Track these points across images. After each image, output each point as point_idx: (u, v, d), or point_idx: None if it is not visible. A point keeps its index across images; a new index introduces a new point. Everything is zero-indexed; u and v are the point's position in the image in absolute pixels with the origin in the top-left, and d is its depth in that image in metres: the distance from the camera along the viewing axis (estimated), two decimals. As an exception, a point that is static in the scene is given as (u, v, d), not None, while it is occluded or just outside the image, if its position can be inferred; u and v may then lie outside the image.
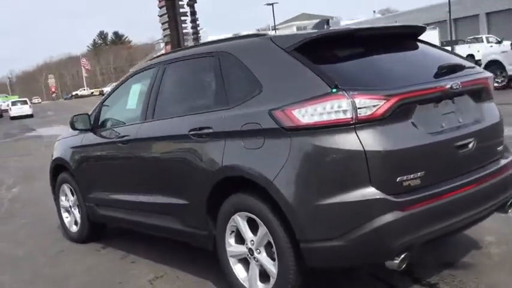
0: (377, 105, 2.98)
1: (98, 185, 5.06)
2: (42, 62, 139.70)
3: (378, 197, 2.93)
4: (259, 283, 3.42)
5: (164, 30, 24.27)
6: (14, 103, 45.98)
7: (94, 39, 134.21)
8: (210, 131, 3.64)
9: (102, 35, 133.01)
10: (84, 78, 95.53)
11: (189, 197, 3.84)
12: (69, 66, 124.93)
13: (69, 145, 5.45)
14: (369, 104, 2.97)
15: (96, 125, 5.04)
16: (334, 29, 3.57)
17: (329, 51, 3.35)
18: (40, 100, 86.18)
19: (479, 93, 3.62)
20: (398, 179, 2.99)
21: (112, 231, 5.62)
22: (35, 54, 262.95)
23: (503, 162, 3.61)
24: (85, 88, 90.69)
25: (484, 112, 3.60)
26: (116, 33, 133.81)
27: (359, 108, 2.95)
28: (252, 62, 3.52)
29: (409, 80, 3.25)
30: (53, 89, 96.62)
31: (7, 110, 46.07)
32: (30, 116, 42.03)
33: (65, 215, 5.72)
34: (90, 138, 5.07)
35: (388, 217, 2.93)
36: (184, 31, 23.99)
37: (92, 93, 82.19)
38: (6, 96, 69.51)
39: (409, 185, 3.02)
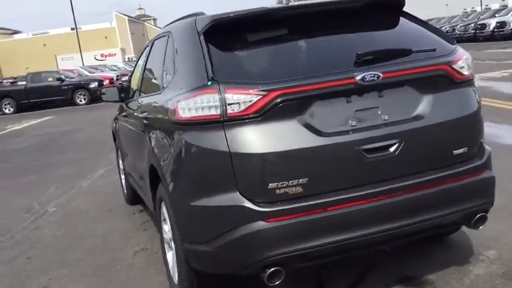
0: (251, 101, 2.66)
1: (125, 154, 5.44)
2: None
3: (241, 204, 2.67)
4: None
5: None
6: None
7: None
8: (146, 115, 3.69)
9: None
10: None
11: (145, 181, 3.96)
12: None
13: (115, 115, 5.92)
14: (243, 100, 2.66)
15: (127, 96, 5.18)
16: (250, 10, 3.13)
17: (237, 35, 2.99)
18: None
19: (428, 84, 2.94)
20: (270, 185, 2.66)
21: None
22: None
23: (460, 167, 2.93)
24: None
25: (436, 106, 2.92)
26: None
27: (230, 104, 2.66)
28: (177, 44, 3.33)
29: (313, 71, 2.79)
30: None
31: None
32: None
33: (122, 177, 6.29)
34: (121, 109, 5.44)
35: (251, 227, 2.66)
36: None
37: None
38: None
39: (286, 193, 2.67)
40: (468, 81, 3.08)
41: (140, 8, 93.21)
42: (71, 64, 41.19)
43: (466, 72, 3.05)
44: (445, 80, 2.97)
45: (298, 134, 2.70)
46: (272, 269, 2.70)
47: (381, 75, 2.77)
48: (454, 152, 2.94)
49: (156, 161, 3.31)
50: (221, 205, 2.71)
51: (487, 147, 3.11)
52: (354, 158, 2.74)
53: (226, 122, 2.67)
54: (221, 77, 2.73)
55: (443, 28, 35.66)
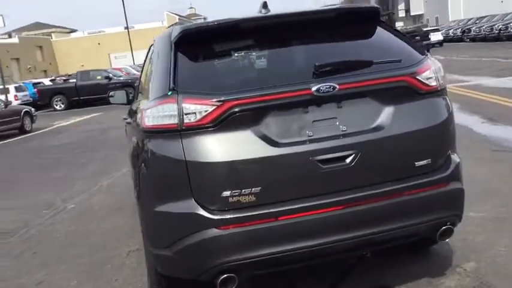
0: (206, 111, 2.74)
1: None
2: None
3: (195, 211, 2.75)
4: None
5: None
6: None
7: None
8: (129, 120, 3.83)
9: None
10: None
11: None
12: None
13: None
14: (199, 110, 2.74)
15: (133, 99, 5.20)
16: (218, 20, 3.19)
17: (204, 46, 3.06)
18: None
19: (390, 95, 2.92)
20: (223, 194, 2.73)
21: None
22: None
23: (421, 179, 2.90)
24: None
25: (397, 117, 2.90)
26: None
27: (187, 114, 2.75)
28: (155, 53, 3.42)
29: (270, 82, 2.82)
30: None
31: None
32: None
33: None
34: (127, 112, 5.59)
35: (204, 234, 2.74)
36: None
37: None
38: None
39: (239, 202, 2.73)
40: (436, 92, 3.02)
41: (191, 7, 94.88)
42: (123, 62, 42.41)
43: (433, 83, 3.00)
44: (408, 91, 2.94)
45: (252, 144, 2.75)
46: (225, 276, 2.77)
47: (337, 86, 2.78)
48: (416, 163, 2.90)
49: (131, 166, 3.44)
50: (178, 212, 2.80)
51: (455, 158, 3.05)
52: (308, 168, 2.76)
53: (183, 131, 2.75)
54: (183, 87, 2.82)
55: (495, 26, 34.63)
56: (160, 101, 2.85)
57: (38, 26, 68.55)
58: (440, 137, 3.00)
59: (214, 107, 2.72)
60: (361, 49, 3.15)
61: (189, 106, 2.74)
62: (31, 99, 26.97)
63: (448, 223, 3.00)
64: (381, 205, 2.82)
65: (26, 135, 16.38)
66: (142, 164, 3.03)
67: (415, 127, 2.92)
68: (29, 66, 54.61)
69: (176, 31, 3.10)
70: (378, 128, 2.87)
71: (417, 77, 2.95)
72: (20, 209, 6.80)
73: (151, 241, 3.04)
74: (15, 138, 16.01)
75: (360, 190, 2.81)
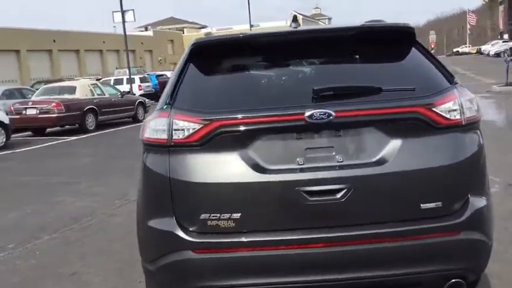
0: (194, 129, 2.65)
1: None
2: (434, 17, 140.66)
3: (174, 231, 2.67)
4: None
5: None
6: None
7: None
8: None
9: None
10: (467, 34, 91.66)
11: None
12: (459, 22, 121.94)
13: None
14: (187, 127, 2.66)
15: None
16: (225, 35, 3.04)
17: (210, 61, 2.96)
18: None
19: (399, 127, 2.60)
20: (202, 216, 2.62)
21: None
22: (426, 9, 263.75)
23: (427, 224, 2.56)
24: (467, 45, 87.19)
25: (404, 152, 2.57)
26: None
27: (176, 130, 2.68)
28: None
29: (265, 104, 2.65)
30: (433, 45, 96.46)
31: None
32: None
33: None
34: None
35: (180, 255, 2.66)
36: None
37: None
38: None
39: (217, 226, 2.60)
40: (459, 127, 2.64)
41: (316, 8, 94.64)
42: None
43: (457, 117, 2.63)
44: (421, 124, 2.59)
45: (237, 167, 2.60)
46: None
47: (333, 113, 2.53)
48: (422, 205, 2.56)
49: None
50: (161, 229, 2.74)
51: (476, 203, 2.63)
52: (293, 199, 2.55)
53: (171, 147, 2.69)
54: (179, 103, 2.76)
55: None
56: (158, 114, 2.81)
57: (172, 21, 72.93)
58: (457, 178, 2.61)
59: (201, 126, 2.62)
60: (374, 74, 2.84)
61: (178, 122, 2.67)
62: (153, 90, 28.65)
63: (457, 277, 2.61)
64: (372, 248, 2.53)
65: (138, 124, 17.42)
66: (140, 176, 3.02)
67: (425, 165, 2.57)
68: (159, 58, 58.24)
69: (191, 43, 3.04)
70: (379, 162, 2.57)
71: (433, 109, 2.59)
72: (99, 196, 7.20)
73: (140, 253, 3.02)
74: (128, 126, 17.13)
75: (348, 229, 2.54)
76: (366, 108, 2.58)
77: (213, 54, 2.96)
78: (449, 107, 2.62)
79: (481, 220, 2.65)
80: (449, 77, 2.78)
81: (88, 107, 16.10)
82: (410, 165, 2.56)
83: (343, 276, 2.56)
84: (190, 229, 2.64)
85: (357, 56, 2.94)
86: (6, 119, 13.42)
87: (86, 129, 15.92)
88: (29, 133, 16.35)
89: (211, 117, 2.61)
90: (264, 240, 2.56)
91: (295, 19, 3.33)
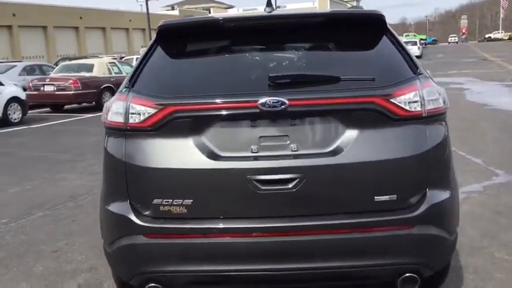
0: (149, 113, 2.62)
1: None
2: (467, 1, 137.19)
3: (127, 215, 2.67)
4: None
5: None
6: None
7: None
8: None
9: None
10: (501, 20, 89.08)
11: None
12: (493, 7, 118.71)
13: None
14: (143, 111, 2.64)
15: None
16: (190, 18, 2.97)
17: (174, 44, 2.91)
18: (457, 39, 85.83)
19: (356, 117, 2.53)
20: (155, 201, 2.61)
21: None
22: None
23: (379, 217, 2.50)
24: (499, 31, 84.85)
25: (360, 143, 2.50)
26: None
27: (132, 114, 2.66)
28: None
29: (221, 90, 2.60)
30: (464, 30, 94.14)
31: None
32: (419, 57, 42.98)
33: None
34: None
35: (132, 239, 2.66)
36: None
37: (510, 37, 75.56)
38: (414, 35, 72.04)
39: (169, 212, 2.59)
40: (420, 119, 2.55)
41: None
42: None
43: (417, 108, 2.54)
44: (378, 115, 2.52)
45: (190, 153, 2.58)
46: (152, 285, 2.68)
47: (286, 102, 2.47)
48: (376, 198, 2.50)
49: None
50: (116, 212, 2.74)
51: (433, 197, 2.56)
52: (244, 187, 2.51)
53: (127, 131, 2.68)
54: (138, 86, 2.74)
55: None
56: (117, 97, 2.80)
57: (199, 0, 72.65)
58: (414, 171, 2.54)
59: (156, 110, 2.59)
60: (337, 62, 2.77)
61: (135, 106, 2.65)
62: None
63: (411, 271, 2.56)
64: (322, 239, 2.48)
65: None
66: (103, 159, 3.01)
67: (380, 156, 2.50)
68: (184, 38, 58.04)
69: (158, 24, 3.00)
70: (334, 152, 2.51)
71: (391, 100, 2.51)
72: (98, 174, 7.24)
73: (101, 233, 3.03)
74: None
75: (299, 219, 2.50)
76: (321, 98, 2.51)
77: (178, 38, 2.92)
78: (409, 98, 2.53)
79: (439, 215, 2.57)
80: (414, 68, 2.68)
81: (105, 85, 16.26)
82: (366, 156, 2.49)
83: (292, 266, 2.53)
84: (144, 213, 2.64)
85: (323, 44, 2.86)
86: (22, 95, 13.64)
87: (103, 107, 16.02)
88: (48, 109, 16.62)
89: (166, 102, 2.58)
90: (214, 228, 2.54)
91: (269, 3, 3.25)
